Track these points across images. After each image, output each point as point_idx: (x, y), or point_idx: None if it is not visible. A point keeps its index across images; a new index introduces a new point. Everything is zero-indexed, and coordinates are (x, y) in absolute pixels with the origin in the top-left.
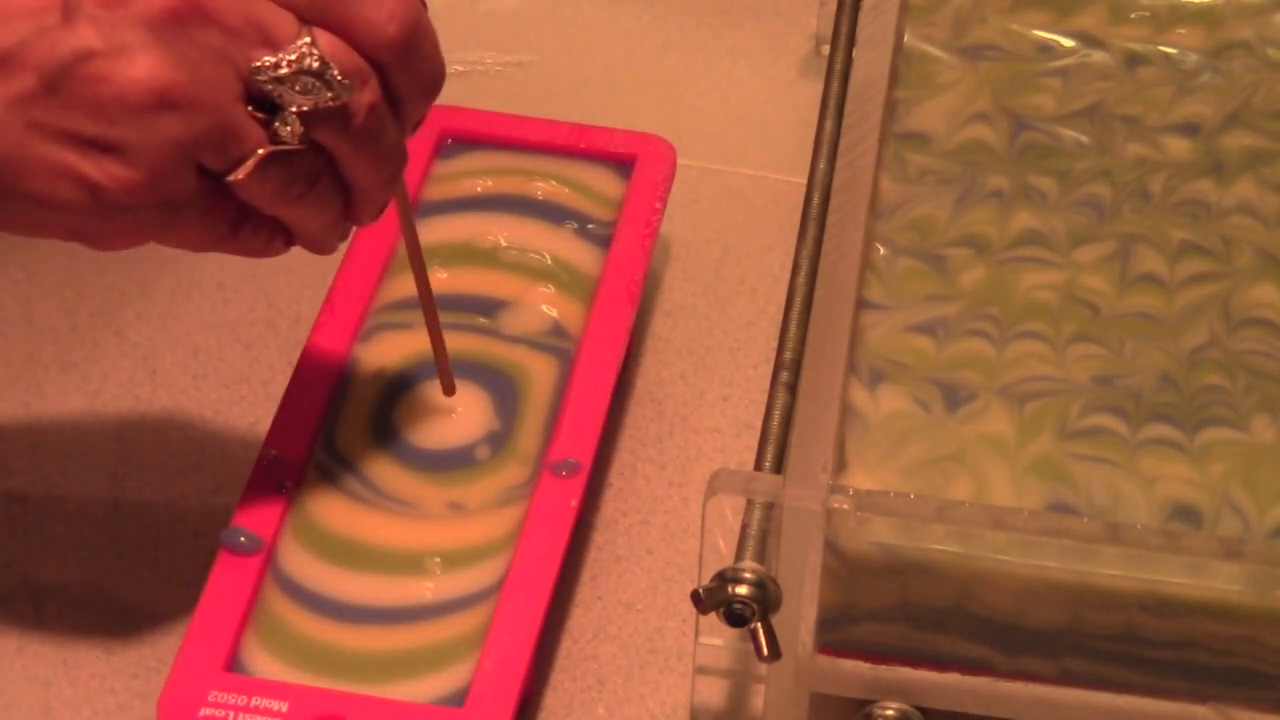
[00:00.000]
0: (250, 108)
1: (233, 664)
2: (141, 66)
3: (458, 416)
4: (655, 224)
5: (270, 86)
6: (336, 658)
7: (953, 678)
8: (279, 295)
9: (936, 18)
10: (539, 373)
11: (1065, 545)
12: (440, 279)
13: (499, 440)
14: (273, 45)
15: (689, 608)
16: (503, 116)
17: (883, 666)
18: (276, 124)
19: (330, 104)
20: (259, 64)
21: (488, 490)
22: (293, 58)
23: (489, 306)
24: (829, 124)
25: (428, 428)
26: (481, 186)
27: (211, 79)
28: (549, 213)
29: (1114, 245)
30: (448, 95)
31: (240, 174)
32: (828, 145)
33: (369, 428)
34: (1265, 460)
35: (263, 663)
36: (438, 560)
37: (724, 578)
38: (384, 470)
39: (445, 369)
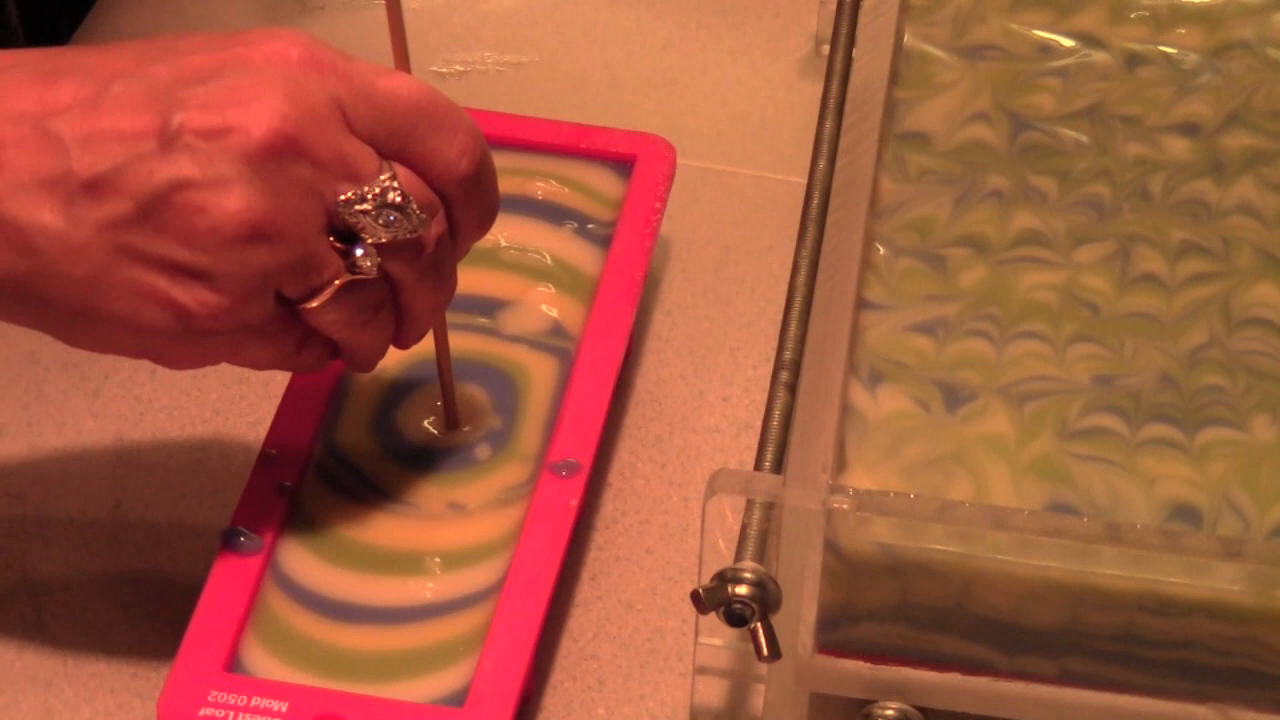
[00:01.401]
0: (330, 238)
1: (233, 664)
2: (238, 199)
3: (458, 416)
4: (655, 224)
5: (354, 219)
6: (336, 658)
7: (953, 678)
8: None
9: (936, 18)
10: (539, 372)
11: (1065, 545)
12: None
13: (499, 440)
14: (356, 180)
15: (689, 608)
16: (503, 116)
17: (883, 666)
18: (357, 255)
19: (408, 236)
20: (345, 197)
21: (488, 490)
22: (377, 191)
23: (489, 306)
24: (829, 124)
25: (428, 428)
26: None
27: (300, 212)
28: (549, 213)
29: (1114, 245)
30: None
31: (316, 302)
32: (828, 145)
33: (369, 428)
34: (1265, 460)
35: (262, 663)
36: (438, 560)
37: (724, 578)
38: (384, 470)
39: (452, 407)
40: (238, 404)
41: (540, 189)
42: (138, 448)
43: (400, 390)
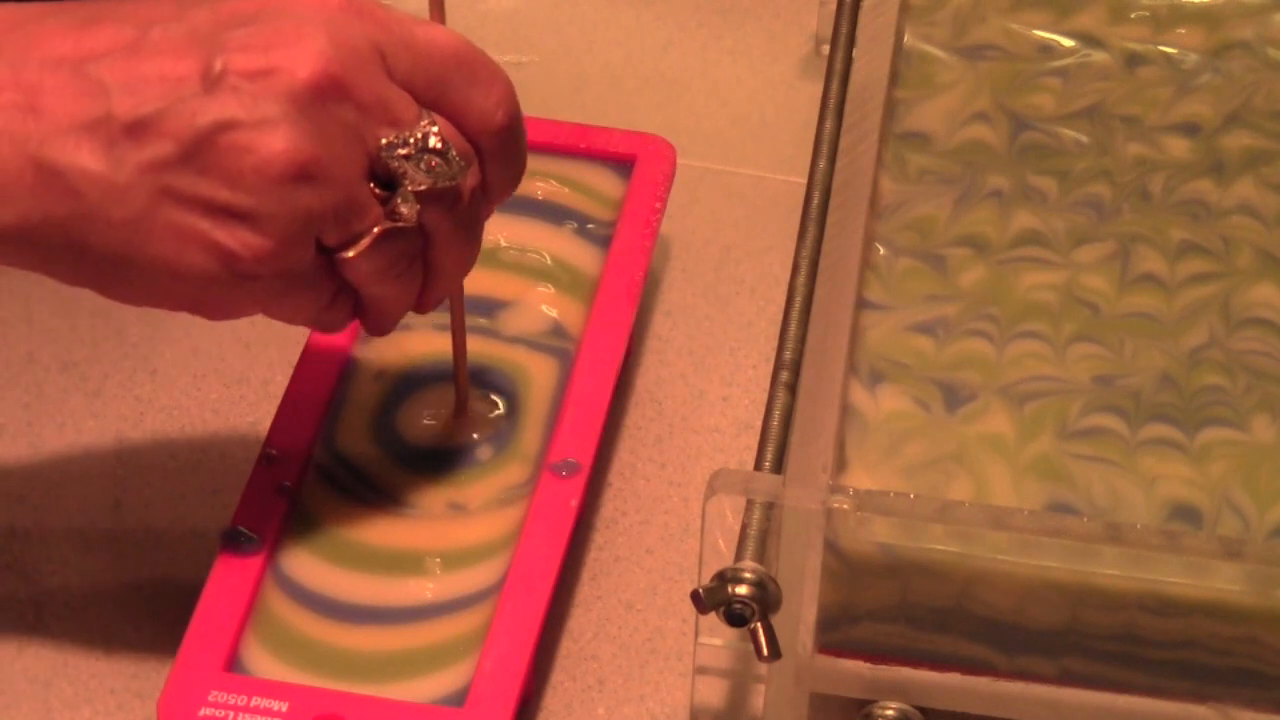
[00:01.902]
0: (371, 185)
1: (233, 664)
2: (284, 139)
3: (459, 415)
4: (655, 224)
5: (397, 163)
6: (336, 658)
7: (953, 678)
8: None
9: (936, 18)
10: (539, 373)
11: (1065, 545)
12: None
13: (499, 440)
14: (397, 125)
15: (689, 608)
16: None
17: (883, 666)
18: (396, 201)
19: (448, 184)
20: (387, 140)
21: (488, 490)
22: (418, 135)
23: (489, 306)
24: (829, 124)
25: (428, 428)
26: None
27: (344, 154)
28: (549, 213)
29: (1114, 245)
30: None
31: (355, 250)
32: (828, 145)
33: (369, 428)
34: (1265, 460)
35: (263, 663)
36: (438, 560)
37: (724, 578)
38: (384, 470)
39: (464, 388)
40: (238, 404)
41: (540, 189)
42: (138, 448)
43: (401, 391)
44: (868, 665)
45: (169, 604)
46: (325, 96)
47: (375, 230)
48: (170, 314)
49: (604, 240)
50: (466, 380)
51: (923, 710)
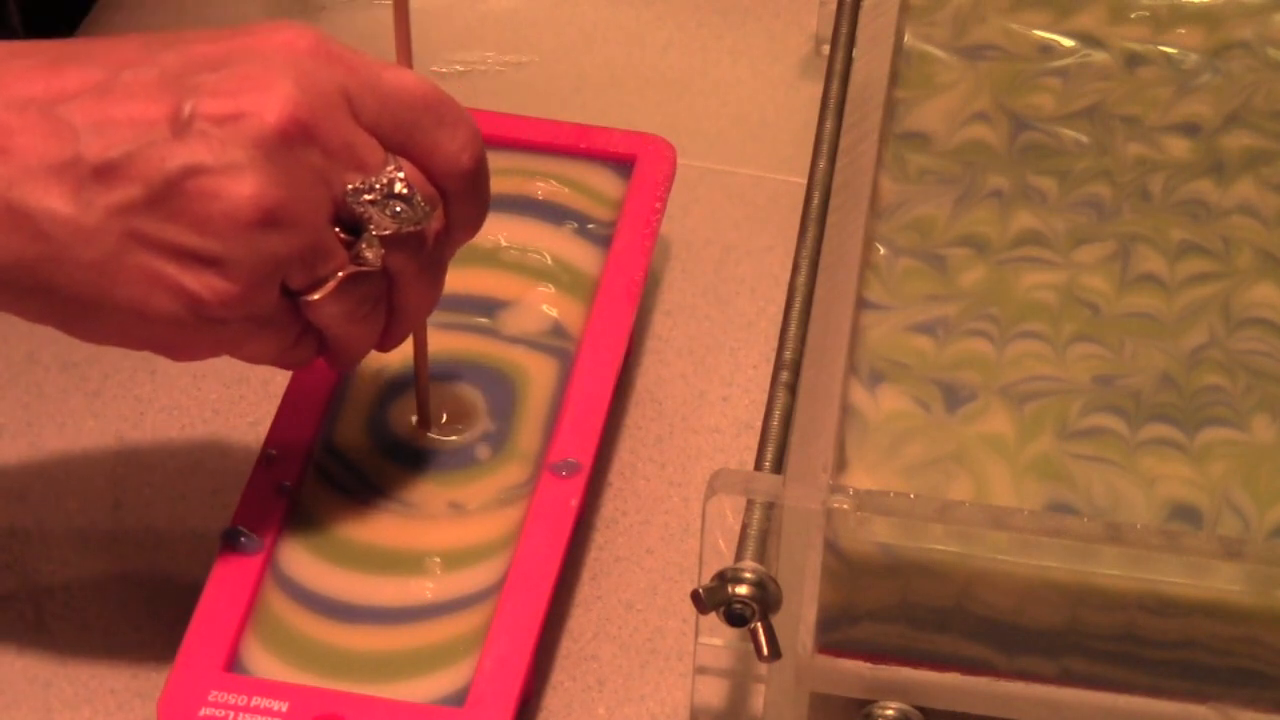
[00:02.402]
0: (336, 229)
1: (233, 664)
2: (251, 185)
3: (458, 416)
4: (655, 224)
5: (362, 209)
6: (336, 658)
7: (953, 678)
8: None
9: (936, 18)
10: (539, 373)
11: (1065, 545)
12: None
13: (499, 440)
14: (364, 170)
15: (689, 608)
16: (503, 116)
17: (883, 666)
18: (361, 245)
19: (413, 228)
20: (353, 186)
21: (488, 490)
22: (384, 182)
23: (489, 306)
24: (829, 124)
25: (428, 428)
26: None
27: (310, 199)
28: (549, 213)
29: (1114, 245)
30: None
31: (320, 293)
32: (828, 145)
33: (369, 428)
34: (1265, 460)
35: (263, 663)
36: (438, 560)
37: (724, 578)
38: (384, 470)
39: (426, 406)
40: (238, 404)
41: (540, 189)
42: (138, 448)
43: (400, 391)
44: (868, 665)
45: (169, 604)
46: (292, 142)
47: (340, 274)
48: None
49: (604, 240)
50: (428, 399)
51: (923, 710)
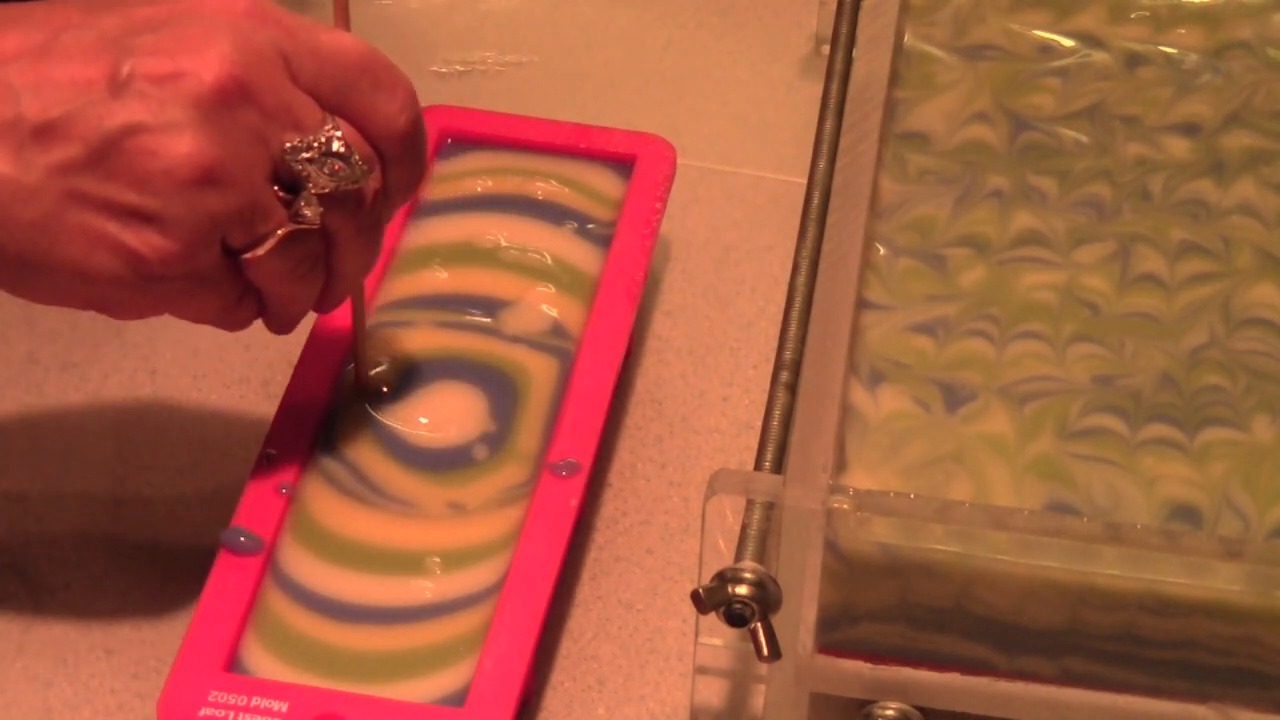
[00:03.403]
0: (275, 188)
1: (233, 664)
2: (189, 143)
3: (458, 416)
4: (655, 224)
5: (300, 166)
6: (336, 658)
7: (953, 678)
8: None
9: (936, 18)
10: (539, 372)
11: (1065, 545)
12: (440, 279)
13: (499, 440)
14: (301, 129)
15: (689, 608)
16: (503, 116)
17: (883, 666)
18: (300, 204)
19: (351, 187)
20: (291, 145)
21: (488, 490)
22: (321, 140)
23: (489, 306)
24: (829, 124)
25: (427, 428)
26: (481, 186)
27: (248, 158)
28: (549, 213)
29: (1114, 245)
30: (448, 95)
31: (261, 250)
32: (828, 145)
33: (369, 428)
34: (1265, 460)
35: (263, 663)
36: (438, 560)
37: (724, 578)
38: (384, 470)
39: (363, 363)
40: (238, 404)
41: (540, 189)
42: (138, 448)
43: (400, 390)
44: (868, 665)
45: (169, 604)
46: (230, 101)
47: (279, 232)
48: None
49: (604, 240)
50: (366, 363)
51: (923, 710)
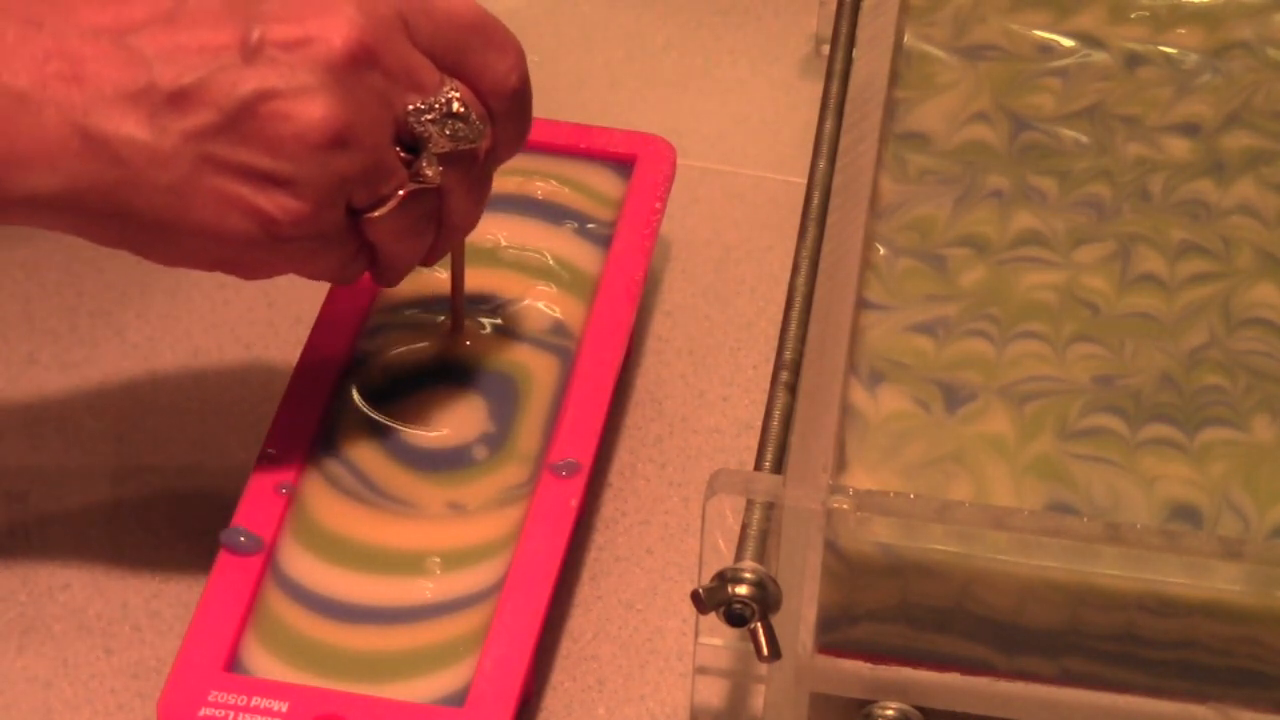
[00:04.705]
0: (396, 148)
1: (233, 664)
2: (321, 106)
3: (458, 416)
4: (655, 224)
5: (422, 128)
6: (336, 658)
7: (953, 678)
8: (279, 295)
9: (936, 18)
10: (539, 372)
11: (1065, 545)
12: (440, 279)
13: (499, 440)
14: (422, 90)
15: (689, 608)
16: None
17: (883, 666)
18: (422, 163)
19: (468, 146)
20: (414, 106)
21: (488, 490)
22: (442, 101)
23: (489, 306)
24: (829, 124)
25: (427, 428)
26: None
27: (375, 120)
28: (549, 212)
29: (1114, 245)
30: None
31: (382, 210)
32: (828, 145)
33: (369, 428)
34: (1265, 460)
35: (263, 663)
36: (438, 560)
37: (724, 578)
38: (384, 470)
39: (460, 310)
40: (238, 404)
41: (540, 189)
42: (138, 448)
43: (400, 390)
44: (868, 665)
45: (169, 604)
46: (358, 64)
47: (401, 192)
48: (170, 314)
49: (604, 240)
50: (463, 305)
51: (923, 710)
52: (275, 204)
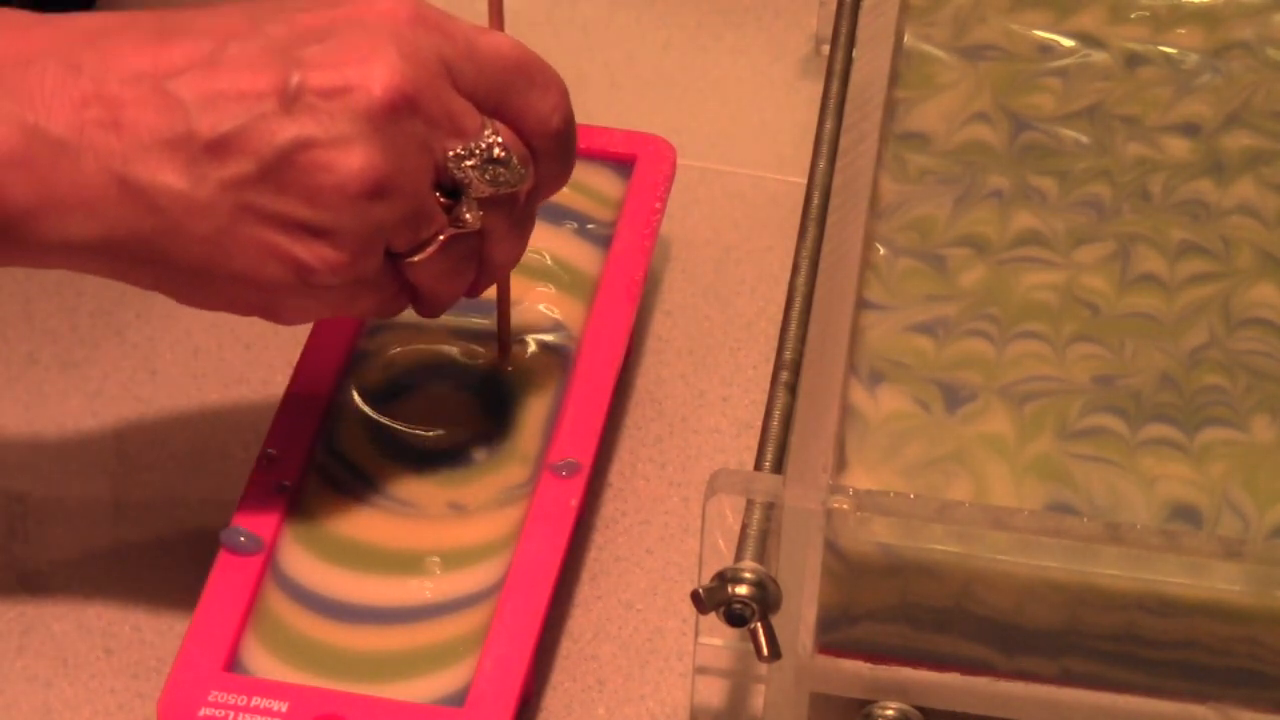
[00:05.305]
0: (436, 194)
1: (233, 664)
2: (360, 157)
3: (458, 416)
4: (655, 224)
5: (462, 174)
6: (336, 658)
7: (953, 678)
8: None
9: (936, 18)
10: (539, 372)
11: (1065, 545)
12: None
13: (498, 440)
14: (463, 136)
15: (689, 608)
16: None
17: (883, 666)
18: (461, 209)
19: (509, 190)
20: (454, 153)
21: (488, 490)
22: (483, 146)
23: (490, 306)
24: (829, 124)
25: (427, 428)
26: None
27: (415, 167)
28: (549, 212)
29: (1114, 245)
30: None
31: (422, 256)
32: (828, 145)
33: (369, 428)
34: (1265, 460)
35: (263, 663)
36: (438, 560)
37: (724, 578)
38: (384, 470)
39: (507, 337)
40: (238, 404)
41: None
42: (138, 448)
43: (400, 390)
44: (868, 665)
45: (169, 604)
46: (398, 113)
47: (441, 237)
48: (170, 314)
49: (604, 240)
50: (509, 332)
51: (923, 710)
52: (313, 254)
